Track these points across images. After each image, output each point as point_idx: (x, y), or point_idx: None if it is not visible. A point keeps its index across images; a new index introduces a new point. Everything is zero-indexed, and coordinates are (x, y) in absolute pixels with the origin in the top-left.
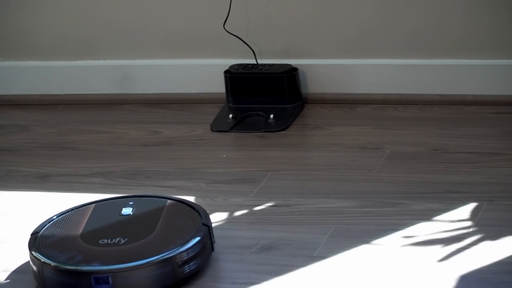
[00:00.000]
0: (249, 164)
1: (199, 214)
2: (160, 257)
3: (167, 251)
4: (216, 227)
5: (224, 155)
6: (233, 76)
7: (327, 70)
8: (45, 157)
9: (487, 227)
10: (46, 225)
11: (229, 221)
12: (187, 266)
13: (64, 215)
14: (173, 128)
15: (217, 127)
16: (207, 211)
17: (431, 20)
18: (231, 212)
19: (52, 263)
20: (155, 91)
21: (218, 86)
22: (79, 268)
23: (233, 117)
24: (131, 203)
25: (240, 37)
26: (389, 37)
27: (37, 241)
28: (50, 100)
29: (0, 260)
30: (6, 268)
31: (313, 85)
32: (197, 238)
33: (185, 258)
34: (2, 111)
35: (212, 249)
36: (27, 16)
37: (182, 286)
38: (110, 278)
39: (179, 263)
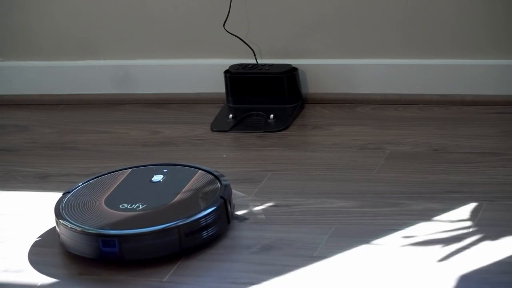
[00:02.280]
0: (249, 164)
1: (220, 187)
2: (167, 226)
3: (175, 221)
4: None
5: (224, 155)
6: (233, 76)
7: (327, 70)
8: (45, 157)
9: (487, 227)
10: (79, 186)
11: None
12: (195, 236)
13: (99, 177)
14: (173, 128)
15: (217, 127)
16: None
17: (431, 20)
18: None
19: (66, 223)
20: (155, 91)
21: (218, 86)
22: (89, 230)
23: (233, 117)
24: (165, 170)
25: (240, 37)
26: (389, 37)
27: (64, 200)
28: (50, 100)
29: (0, 260)
30: (6, 268)
31: (313, 85)
32: (208, 210)
33: (193, 229)
34: (2, 111)
35: (228, 222)
36: (27, 16)
37: (191, 255)
38: (116, 242)
39: (186, 233)
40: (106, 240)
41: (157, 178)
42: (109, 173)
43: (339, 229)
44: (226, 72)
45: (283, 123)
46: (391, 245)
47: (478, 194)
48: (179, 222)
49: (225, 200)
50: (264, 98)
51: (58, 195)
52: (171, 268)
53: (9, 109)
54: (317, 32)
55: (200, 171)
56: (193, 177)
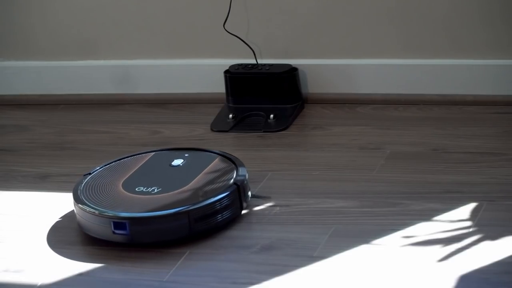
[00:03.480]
0: (249, 164)
1: (236, 173)
2: (177, 210)
3: (186, 205)
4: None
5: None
6: (233, 76)
7: (327, 70)
8: (45, 157)
9: (487, 227)
10: (101, 167)
11: (229, 221)
12: (204, 221)
13: (121, 160)
14: (173, 128)
15: (217, 127)
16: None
17: (431, 20)
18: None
19: (81, 205)
20: (155, 91)
21: (218, 86)
22: (102, 212)
23: (233, 117)
24: (186, 155)
25: (240, 37)
26: (389, 37)
27: (83, 182)
28: (50, 100)
29: (0, 260)
30: (6, 268)
31: (313, 85)
32: (219, 196)
33: (203, 214)
34: (2, 111)
35: (241, 209)
36: (27, 16)
37: (200, 239)
38: (127, 225)
39: (196, 218)
40: (117, 222)
41: (177, 162)
42: (131, 155)
43: (339, 229)
44: (226, 72)
45: (283, 123)
46: (391, 245)
47: (478, 194)
48: (190, 207)
49: (238, 186)
50: (264, 98)
51: (58, 195)
52: (171, 268)
53: (9, 109)
54: (317, 32)
55: (220, 156)
56: (211, 163)
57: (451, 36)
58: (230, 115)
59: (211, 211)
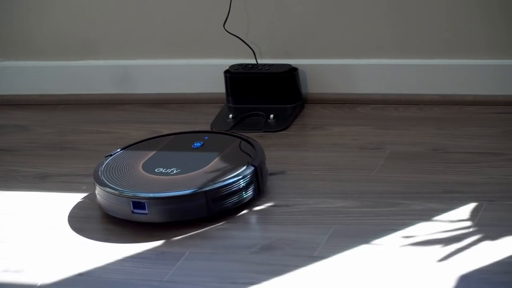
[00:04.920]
0: None
1: (254, 156)
2: (195, 190)
3: (204, 186)
4: (216, 227)
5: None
6: (233, 76)
7: (327, 70)
8: (45, 157)
9: (487, 227)
10: (121, 149)
11: (229, 221)
12: (221, 202)
13: (141, 142)
14: (173, 128)
15: (217, 127)
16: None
17: (431, 20)
18: (231, 212)
19: (101, 186)
20: (155, 91)
21: (218, 86)
22: (122, 192)
23: (233, 117)
24: (206, 138)
25: (240, 37)
26: (389, 37)
27: (104, 163)
28: (50, 100)
29: (0, 260)
30: (6, 268)
31: (313, 85)
32: (237, 177)
33: (220, 194)
34: (2, 111)
35: (259, 190)
36: (27, 16)
37: (218, 220)
38: (146, 204)
39: (213, 199)
40: (136, 202)
41: (197, 144)
42: (151, 138)
43: (339, 229)
44: (226, 72)
45: (283, 123)
46: (391, 245)
47: (478, 194)
48: (207, 187)
49: (255, 168)
50: (264, 98)
51: (58, 195)
52: (171, 268)
53: (9, 109)
54: (317, 32)
55: (239, 139)
56: (231, 145)
57: (451, 36)
58: (230, 115)
59: (229, 191)
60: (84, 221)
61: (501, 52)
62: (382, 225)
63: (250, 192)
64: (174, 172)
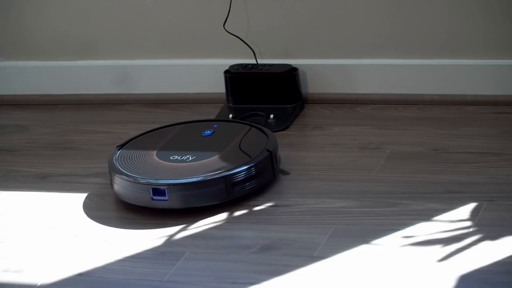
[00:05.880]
0: None
1: (268, 141)
2: (215, 175)
3: (223, 171)
4: (216, 227)
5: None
6: (233, 76)
7: (327, 70)
8: (45, 157)
9: (487, 227)
10: (134, 138)
11: (229, 221)
12: (240, 186)
13: (152, 132)
14: None
15: None
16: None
17: (431, 20)
18: (231, 212)
19: (118, 174)
20: (155, 91)
21: (218, 86)
22: (141, 179)
23: (233, 117)
24: (215, 126)
25: (240, 37)
26: (389, 37)
27: (117, 153)
28: (50, 100)
29: (0, 260)
30: (6, 268)
31: (313, 85)
32: (254, 162)
33: (239, 178)
34: (2, 111)
35: (274, 175)
36: (27, 16)
37: (236, 204)
38: (166, 191)
39: (232, 183)
40: (156, 189)
41: (208, 132)
42: (160, 128)
43: (339, 229)
44: (226, 72)
45: (283, 123)
46: (391, 245)
47: (478, 194)
48: (227, 172)
49: (271, 153)
50: (264, 98)
51: (58, 195)
52: (171, 268)
53: (9, 109)
54: (317, 32)
55: (249, 127)
56: (242, 132)
57: (451, 36)
58: (230, 115)
59: (247, 176)
60: (84, 221)
61: (501, 52)
62: (382, 225)
63: (266, 177)
64: (190, 159)
